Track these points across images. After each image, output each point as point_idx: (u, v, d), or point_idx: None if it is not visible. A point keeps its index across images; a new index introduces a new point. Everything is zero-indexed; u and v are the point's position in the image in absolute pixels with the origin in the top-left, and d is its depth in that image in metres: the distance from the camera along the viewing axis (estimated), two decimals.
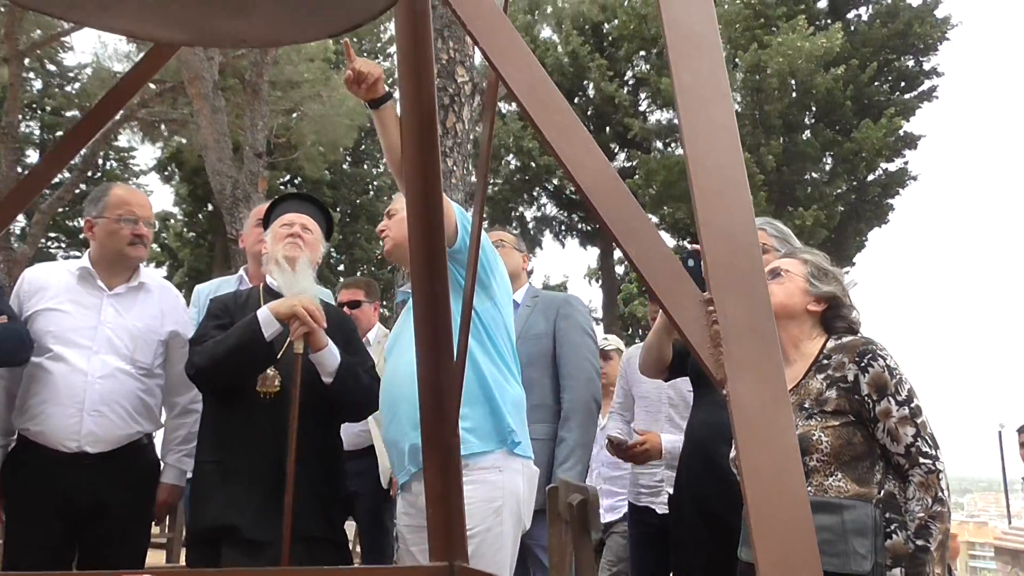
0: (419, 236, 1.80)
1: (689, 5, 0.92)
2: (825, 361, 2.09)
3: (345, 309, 3.86)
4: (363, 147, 24.45)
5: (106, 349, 2.78)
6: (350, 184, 24.11)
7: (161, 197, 22.19)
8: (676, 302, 0.83)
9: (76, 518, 2.69)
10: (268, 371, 2.60)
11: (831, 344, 2.13)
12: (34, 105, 21.06)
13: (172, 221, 22.74)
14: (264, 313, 2.57)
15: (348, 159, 24.21)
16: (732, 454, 2.20)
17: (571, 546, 1.62)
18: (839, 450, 1.98)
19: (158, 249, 22.54)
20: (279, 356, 2.61)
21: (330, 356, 2.63)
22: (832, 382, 2.04)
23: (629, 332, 24.81)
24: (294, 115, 15.57)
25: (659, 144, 20.17)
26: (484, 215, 2.85)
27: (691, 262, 2.56)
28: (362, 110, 16.12)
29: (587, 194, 0.84)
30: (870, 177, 18.66)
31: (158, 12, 1.57)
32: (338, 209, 23.07)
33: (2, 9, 12.59)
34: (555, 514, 1.85)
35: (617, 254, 22.89)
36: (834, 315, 2.19)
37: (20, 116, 15.45)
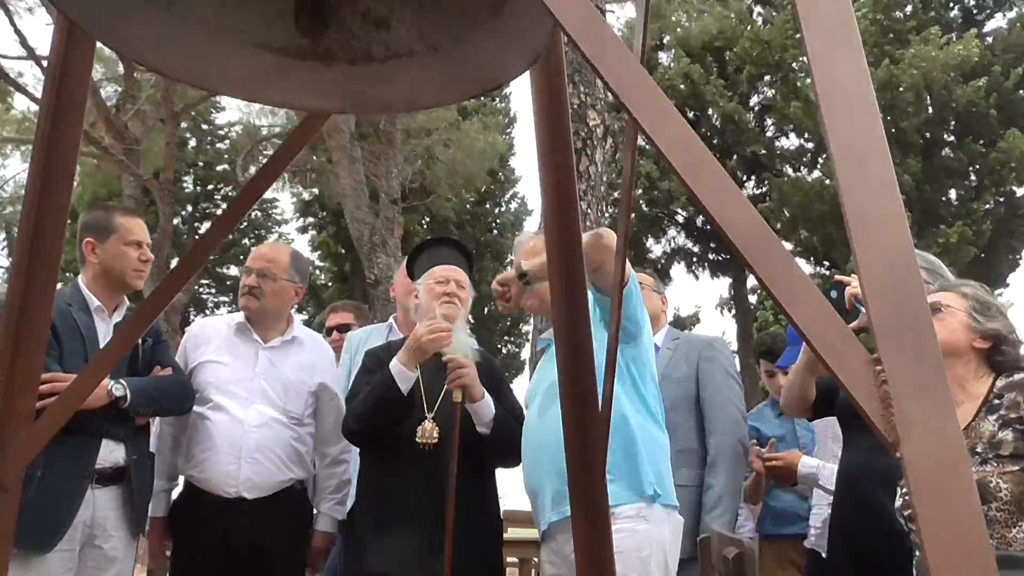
0: (561, 284, 1.82)
1: (840, 59, 0.91)
2: (996, 401, 1.96)
3: (334, 334, 3.95)
4: (485, 187, 24.93)
5: (261, 399, 2.93)
6: (474, 223, 24.57)
7: (301, 243, 23.20)
8: (842, 364, 0.82)
9: (236, 560, 2.83)
10: (426, 423, 2.66)
11: (1001, 382, 2.00)
12: (188, 162, 22.53)
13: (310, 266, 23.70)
14: (395, 367, 2.65)
15: (472, 198, 24.72)
16: (898, 503, 2.10)
17: None
18: (1020, 497, 1.84)
19: None
20: (436, 406, 2.68)
21: (486, 407, 2.68)
22: (1006, 423, 1.90)
23: None
24: (419, 161, 16.04)
25: (788, 170, 19.61)
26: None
27: (833, 293, 2.48)
28: (493, 152, 16.46)
29: (745, 255, 0.84)
30: (1021, 191, 17.51)
31: (313, 85, 1.67)
32: None
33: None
34: (708, 566, 1.82)
35: (750, 282, 22.31)
36: (1001, 351, 2.06)
37: (177, 173, 16.54)
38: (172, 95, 13.86)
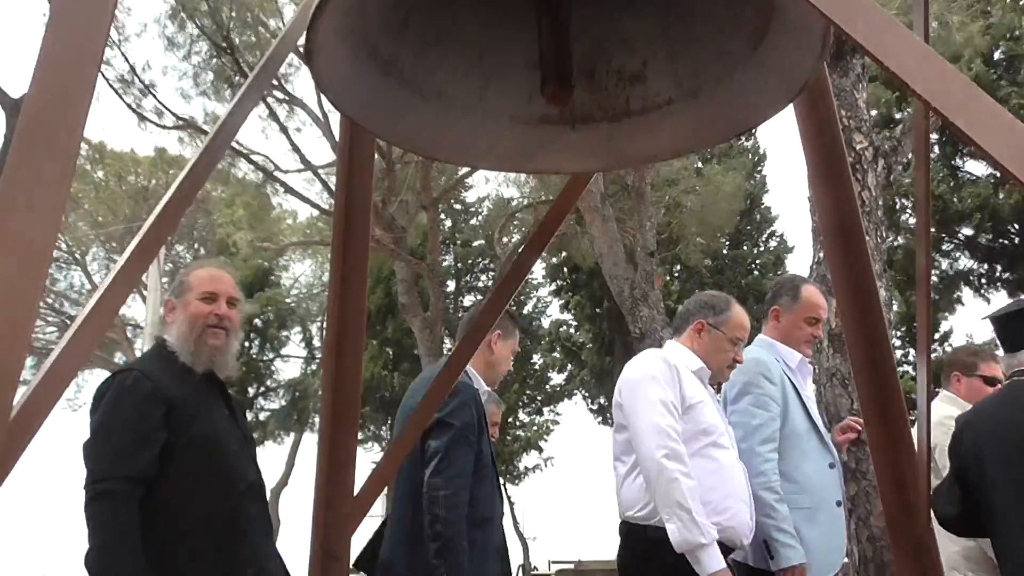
0: (855, 320, 1.70)
1: None
2: None
3: None
4: (741, 228, 24.32)
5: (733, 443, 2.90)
6: (732, 267, 23.96)
7: (554, 306, 23.80)
8: None
9: None
10: None
11: None
12: (447, 241, 24.00)
13: (564, 328, 24.03)
14: None
15: (727, 242, 24.18)
16: None
17: None
18: None
19: (558, 355, 24.04)
20: None
21: None
22: None
23: None
24: (673, 209, 15.97)
25: None
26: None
27: None
28: (739, 194, 16.08)
29: None
30: None
31: (575, 147, 1.71)
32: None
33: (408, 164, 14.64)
34: None
35: None
36: None
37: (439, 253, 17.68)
38: (430, 184, 14.90)
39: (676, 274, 22.07)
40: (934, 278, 20.41)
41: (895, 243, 17.64)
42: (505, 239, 16.15)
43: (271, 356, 23.03)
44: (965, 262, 20.26)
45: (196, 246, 24.82)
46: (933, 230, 19.26)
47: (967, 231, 19.21)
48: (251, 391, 22.05)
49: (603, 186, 11.02)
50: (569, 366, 23.62)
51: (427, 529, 2.71)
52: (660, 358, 2.87)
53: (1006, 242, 19.24)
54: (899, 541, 1.66)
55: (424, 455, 2.79)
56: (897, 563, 1.68)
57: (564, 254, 19.61)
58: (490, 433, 3.29)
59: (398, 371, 20.84)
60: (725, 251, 24.06)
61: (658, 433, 2.58)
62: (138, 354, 17.77)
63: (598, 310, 21.46)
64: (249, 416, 22.31)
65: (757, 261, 24.59)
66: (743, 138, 24.25)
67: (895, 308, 16.47)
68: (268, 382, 22.52)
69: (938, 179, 18.30)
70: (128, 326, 24.37)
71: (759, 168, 25.59)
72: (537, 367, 24.77)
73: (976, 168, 18.69)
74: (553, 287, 23.56)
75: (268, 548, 2.45)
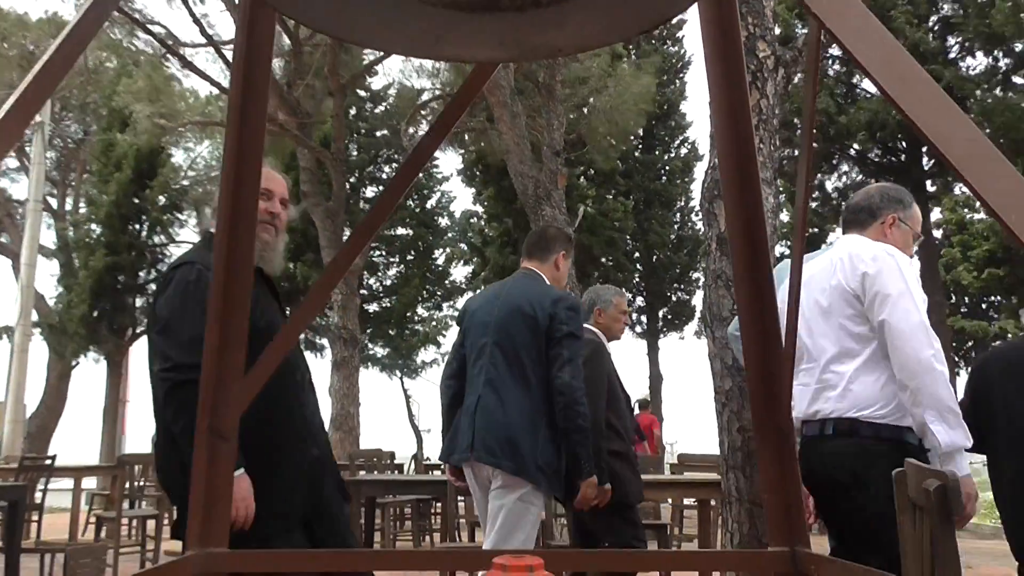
0: (738, 226, 1.78)
1: None
2: None
3: None
4: (655, 133, 24.52)
5: None
6: (642, 171, 24.25)
7: (464, 201, 23.67)
8: None
9: None
10: None
11: None
12: (350, 129, 23.40)
13: (475, 220, 24.13)
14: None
15: (639, 146, 24.36)
16: None
17: (927, 536, 1.52)
18: None
19: (465, 248, 24.16)
20: None
21: None
22: None
23: (953, 301, 22.61)
24: (583, 109, 15.91)
25: (977, 93, 18.07)
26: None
27: None
28: (649, 96, 16.12)
29: (960, 169, 0.79)
30: None
31: (481, 36, 1.70)
32: (631, 197, 23.31)
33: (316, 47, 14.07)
34: (905, 500, 1.75)
35: (935, 216, 20.94)
36: None
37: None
38: (338, 68, 14.40)
39: (589, 175, 22.18)
40: (828, 189, 21.17)
41: (790, 153, 18.13)
42: (412, 130, 15.86)
43: (164, 240, 22.27)
44: (854, 176, 21.03)
45: (88, 119, 23.51)
46: (824, 144, 19.86)
47: (857, 146, 19.88)
48: (142, 276, 21.37)
49: (513, 81, 10.88)
50: (475, 260, 23.69)
51: (570, 421, 3.27)
52: (899, 252, 2.65)
53: (894, 159, 20.03)
54: (762, 429, 1.78)
55: (549, 359, 3.33)
56: (760, 449, 1.81)
57: (475, 148, 19.42)
58: (623, 321, 4.26)
59: (300, 261, 20.53)
60: (637, 154, 24.29)
61: (926, 332, 2.48)
62: (23, 234, 16.92)
63: (509, 207, 21.48)
64: (139, 301, 21.73)
65: (667, 167, 24.95)
66: (654, 40, 24.13)
67: (784, 217, 17.03)
68: (160, 266, 21.86)
69: (830, 94, 18.79)
70: (14, 203, 23.16)
71: (681, 74, 25.69)
72: (439, 262, 24.84)
73: (871, 85, 19.23)
74: (466, 177, 23.34)
75: (324, 435, 2.60)
